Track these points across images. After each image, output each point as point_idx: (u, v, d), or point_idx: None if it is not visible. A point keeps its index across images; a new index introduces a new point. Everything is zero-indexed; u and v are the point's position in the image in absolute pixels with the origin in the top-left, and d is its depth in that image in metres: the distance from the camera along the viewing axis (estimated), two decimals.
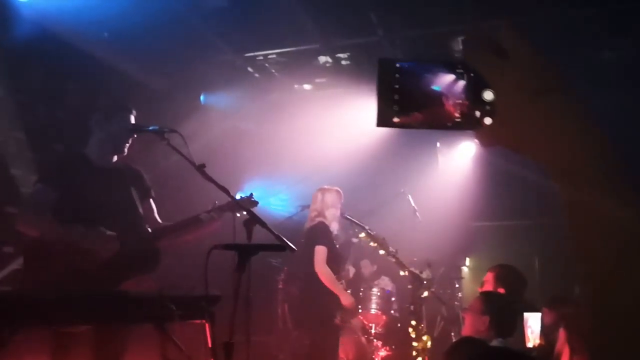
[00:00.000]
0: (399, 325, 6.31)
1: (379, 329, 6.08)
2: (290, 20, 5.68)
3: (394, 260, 4.65)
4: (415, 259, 5.52)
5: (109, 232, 2.91)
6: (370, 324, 6.07)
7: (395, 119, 0.75)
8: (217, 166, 3.03)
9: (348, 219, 5.09)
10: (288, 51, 6.39)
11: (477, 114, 0.72)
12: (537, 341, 2.81)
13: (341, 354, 5.68)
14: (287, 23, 5.74)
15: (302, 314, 5.07)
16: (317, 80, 7.09)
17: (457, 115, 0.73)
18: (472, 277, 7.45)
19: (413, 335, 4.56)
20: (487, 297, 3.03)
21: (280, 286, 6.42)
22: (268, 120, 7.13)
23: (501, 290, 3.55)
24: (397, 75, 0.76)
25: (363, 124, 7.22)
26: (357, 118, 7.13)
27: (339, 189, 5.21)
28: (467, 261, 8.20)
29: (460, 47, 6.09)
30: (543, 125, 0.62)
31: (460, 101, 0.73)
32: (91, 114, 3.30)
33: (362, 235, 4.92)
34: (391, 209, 6.33)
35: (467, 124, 0.72)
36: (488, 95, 0.72)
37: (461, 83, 0.74)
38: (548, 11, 5.28)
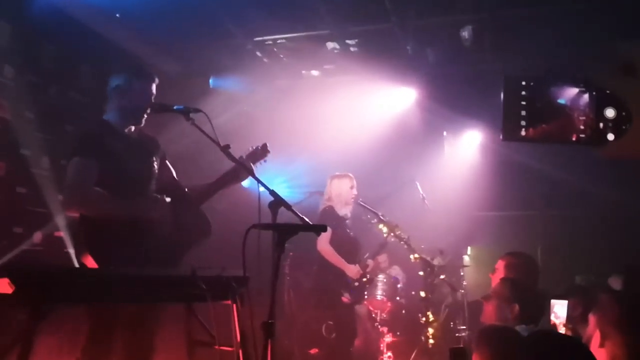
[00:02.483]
0: (404, 311, 6.34)
1: (385, 316, 6.10)
2: (303, 4, 5.64)
3: (405, 246, 4.66)
4: (423, 246, 5.55)
5: (161, 197, 2.86)
6: (376, 311, 6.09)
7: (522, 133, 0.76)
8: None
9: (361, 205, 5.12)
10: (297, 36, 6.35)
11: (601, 126, 0.72)
12: (563, 329, 2.83)
13: None
14: (299, 7, 5.70)
15: (312, 297, 5.15)
16: (326, 66, 7.05)
17: (582, 127, 0.73)
18: (474, 267, 7.48)
19: (423, 321, 4.59)
20: (515, 284, 3.03)
21: (287, 271, 6.43)
22: (276, 106, 7.09)
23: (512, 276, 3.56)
24: (523, 92, 0.76)
25: (371, 111, 7.23)
26: (365, 105, 7.14)
27: (350, 175, 5.25)
28: (469, 250, 8.23)
29: (471, 35, 6.06)
30: None
31: (584, 115, 0.74)
32: (111, 75, 3.13)
33: (375, 221, 4.94)
34: (400, 196, 6.34)
35: (593, 140, 0.73)
36: (610, 112, 0.72)
37: (585, 97, 0.75)
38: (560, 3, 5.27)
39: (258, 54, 6.72)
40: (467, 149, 7.90)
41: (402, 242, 4.77)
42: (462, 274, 6.58)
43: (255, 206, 2.69)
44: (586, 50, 5.67)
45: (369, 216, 5.26)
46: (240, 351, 2.35)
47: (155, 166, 3.17)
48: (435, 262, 4.77)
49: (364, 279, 5.14)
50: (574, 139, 0.67)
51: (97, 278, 2.06)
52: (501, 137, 0.71)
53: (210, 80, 6.86)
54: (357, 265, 5.09)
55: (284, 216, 2.71)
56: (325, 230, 2.43)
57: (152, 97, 3.16)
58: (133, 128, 3.16)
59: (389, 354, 6.00)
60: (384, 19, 5.85)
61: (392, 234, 4.89)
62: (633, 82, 0.61)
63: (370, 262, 5.24)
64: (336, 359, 4.98)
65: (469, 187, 7.37)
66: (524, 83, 0.70)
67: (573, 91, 0.69)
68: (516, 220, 7.94)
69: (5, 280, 1.82)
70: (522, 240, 7.76)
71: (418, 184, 6.24)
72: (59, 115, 5.22)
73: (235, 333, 2.33)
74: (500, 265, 3.68)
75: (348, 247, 5.07)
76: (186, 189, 3.18)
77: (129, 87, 3.07)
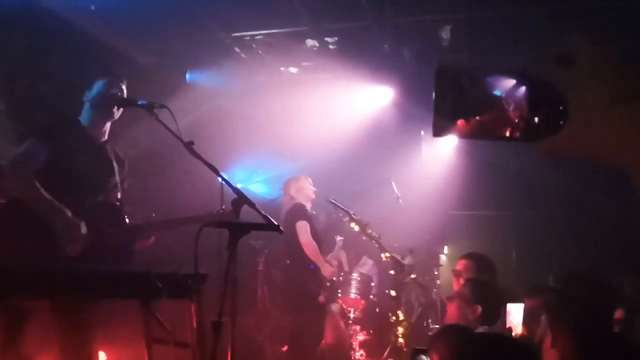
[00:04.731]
0: (377, 310, 6.36)
1: (358, 314, 6.12)
2: (280, 0, 5.62)
3: (376, 245, 4.67)
4: (396, 245, 5.56)
5: (84, 230, 2.84)
6: (349, 309, 6.10)
7: (454, 127, 0.72)
8: (199, 145, 2.98)
9: (332, 202, 5.13)
10: (276, 32, 6.32)
11: (536, 120, 0.70)
12: (519, 331, 2.86)
13: None
14: (276, 3, 5.68)
15: (286, 295, 5.15)
16: (304, 63, 7.03)
17: (517, 122, 0.71)
18: (450, 265, 7.53)
19: (393, 320, 4.61)
20: (476, 286, 3.05)
21: (261, 268, 6.42)
22: (253, 101, 7.07)
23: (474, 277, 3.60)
24: (455, 81, 0.73)
25: (348, 109, 7.23)
26: (342, 103, 7.14)
27: (306, 176, 5.34)
28: (446, 249, 8.28)
29: (449, 35, 6.10)
30: (623, 131, 0.61)
31: (521, 107, 0.71)
32: (86, 88, 3.24)
33: (346, 219, 4.94)
34: (375, 195, 6.35)
35: (527, 135, 0.70)
36: (548, 105, 0.70)
37: (522, 89, 0.72)
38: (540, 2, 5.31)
39: (236, 49, 6.68)
40: (445, 148, 7.93)
41: (373, 241, 4.78)
42: (436, 272, 6.61)
43: (218, 202, 2.68)
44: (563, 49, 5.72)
45: (340, 214, 5.26)
46: (197, 348, 2.34)
47: (112, 180, 3.20)
48: (406, 261, 4.79)
49: (334, 279, 5.16)
50: (507, 134, 0.66)
51: (50, 275, 2.02)
52: (432, 133, 0.69)
53: (187, 75, 6.80)
54: (330, 266, 5.11)
55: (249, 215, 2.71)
56: (279, 230, 2.43)
57: (121, 92, 3.25)
58: (106, 134, 3.23)
59: (361, 352, 6.02)
60: (361, 17, 5.85)
61: (363, 233, 4.90)
62: (571, 72, 0.59)
63: (335, 263, 5.25)
64: (304, 358, 4.98)
65: (446, 186, 7.40)
66: (457, 74, 0.68)
67: (510, 82, 0.67)
68: (492, 220, 8.01)
69: None
70: (498, 240, 7.84)
71: (393, 183, 6.26)
72: (29, 106, 5.14)
73: (192, 331, 2.31)
74: (463, 267, 3.71)
75: (316, 241, 5.09)
76: (126, 218, 3.16)
77: (99, 89, 3.19)
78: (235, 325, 2.29)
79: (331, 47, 6.58)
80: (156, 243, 3.02)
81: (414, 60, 6.54)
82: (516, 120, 0.71)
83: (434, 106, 0.74)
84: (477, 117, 0.72)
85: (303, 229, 4.94)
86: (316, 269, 5.02)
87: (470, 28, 5.91)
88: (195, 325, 2.32)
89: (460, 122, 0.73)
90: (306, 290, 4.97)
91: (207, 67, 6.74)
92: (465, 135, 0.73)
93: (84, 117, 3.21)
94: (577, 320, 1.85)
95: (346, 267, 6.44)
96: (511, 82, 0.73)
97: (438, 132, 0.74)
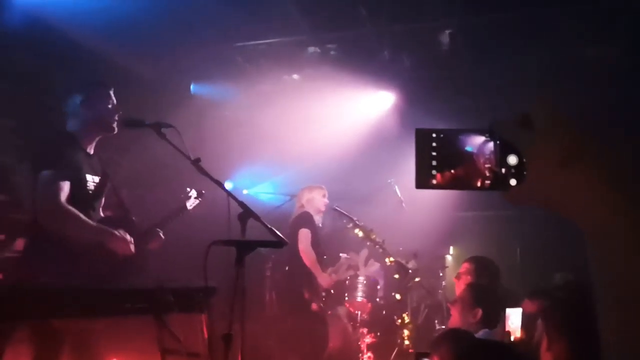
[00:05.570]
0: (384, 312, 6.44)
1: (365, 316, 6.19)
2: (279, 11, 5.72)
3: (381, 250, 4.76)
4: (401, 249, 5.65)
5: (129, 237, 2.96)
6: (356, 312, 6.18)
7: (433, 181, 0.84)
8: (206, 155, 3.05)
9: (337, 210, 5.23)
10: (277, 41, 6.43)
11: (503, 172, 0.81)
12: (518, 334, 2.94)
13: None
14: (276, 14, 5.78)
15: (284, 300, 5.26)
16: (306, 70, 7.12)
17: (487, 174, 0.82)
18: (455, 267, 7.59)
19: (399, 323, 4.69)
20: (477, 290, 3.14)
21: (268, 274, 6.51)
22: (257, 110, 7.16)
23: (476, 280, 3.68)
24: (433, 143, 0.85)
25: (350, 114, 7.32)
26: (344, 108, 7.22)
27: (322, 186, 5.42)
28: (451, 250, 8.36)
29: (448, 40, 6.18)
30: (574, 187, 0.71)
31: (489, 162, 0.82)
32: (69, 95, 3.24)
33: (350, 225, 5.04)
34: (378, 200, 6.44)
35: (496, 185, 0.81)
36: (512, 159, 0.81)
37: (490, 145, 0.83)
38: (532, 9, 5.39)
39: (238, 59, 6.78)
40: None
41: (377, 246, 4.88)
42: (440, 274, 6.69)
43: (225, 217, 2.76)
44: (558, 54, 5.82)
45: (344, 221, 5.36)
46: (209, 359, 2.43)
47: (105, 190, 3.27)
48: (410, 265, 4.87)
49: (331, 291, 5.28)
50: (479, 184, 0.75)
51: (65, 293, 2.13)
52: (415, 184, 0.80)
53: (191, 86, 6.91)
54: (328, 276, 5.23)
55: (255, 226, 2.80)
56: (282, 246, 2.53)
57: (114, 103, 3.27)
58: (94, 145, 3.26)
59: (369, 354, 6.09)
60: (360, 25, 5.94)
61: (367, 239, 4.99)
62: (530, 134, 0.68)
63: (334, 275, 5.36)
64: None
65: None
66: (434, 135, 0.79)
67: (479, 139, 0.77)
68: (497, 220, 8.07)
69: None
70: (503, 239, 7.91)
71: (396, 187, 6.34)
72: (36, 122, 5.25)
73: (203, 342, 2.41)
74: (463, 269, 3.79)
75: (318, 255, 5.20)
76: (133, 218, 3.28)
77: (91, 100, 3.20)
78: (245, 335, 2.38)
79: (332, 53, 6.67)
80: (168, 258, 3.12)
81: (414, 66, 6.63)
82: (486, 173, 0.82)
83: (415, 163, 0.85)
84: (452, 171, 0.83)
85: (303, 236, 5.06)
86: (314, 278, 5.14)
87: (469, 33, 6.00)
88: (206, 337, 2.42)
89: (437, 175, 0.83)
90: (300, 297, 5.10)
91: (211, 77, 6.85)
92: (442, 187, 0.84)
93: (78, 129, 3.18)
94: (571, 325, 1.94)
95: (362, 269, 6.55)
96: (481, 139, 0.84)
97: (420, 184, 0.85)
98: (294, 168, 7.01)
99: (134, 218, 3.33)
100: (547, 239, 7.50)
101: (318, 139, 6.82)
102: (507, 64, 6.18)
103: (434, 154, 0.85)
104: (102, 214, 3.31)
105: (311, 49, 6.63)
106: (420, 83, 6.83)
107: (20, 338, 2.33)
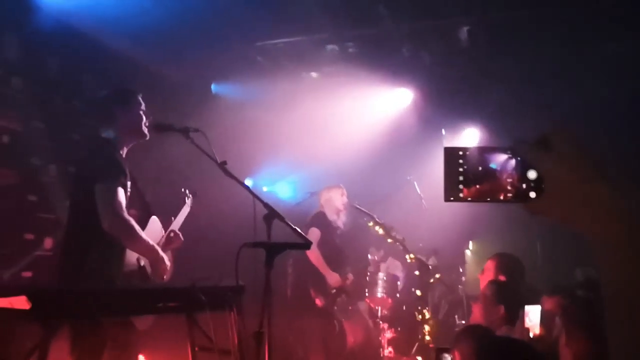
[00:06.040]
0: (404, 308, 6.52)
1: (385, 312, 6.28)
2: (299, 9, 5.78)
3: (401, 247, 4.83)
4: (421, 245, 5.71)
5: (169, 263, 3.09)
6: (377, 307, 6.27)
7: (460, 195, 0.93)
8: (226, 154, 3.12)
9: (357, 208, 5.30)
10: (297, 40, 6.49)
11: (524, 186, 0.90)
12: (537, 331, 2.99)
13: (349, 337, 5.93)
14: (296, 12, 5.83)
15: (295, 297, 5.37)
16: (325, 68, 7.19)
17: (509, 188, 0.91)
18: (475, 262, 7.62)
19: (419, 319, 4.76)
20: (500, 287, 3.19)
21: (290, 270, 6.60)
22: (277, 109, 7.24)
23: (502, 278, 3.73)
24: (460, 160, 0.94)
25: (369, 112, 7.37)
26: (363, 106, 7.28)
27: (341, 185, 5.49)
28: (470, 245, 8.38)
29: (467, 37, 6.20)
30: (587, 205, 0.79)
31: (511, 177, 0.91)
32: (102, 103, 3.35)
33: (371, 223, 5.11)
34: (398, 197, 6.49)
35: (517, 198, 0.90)
36: (532, 174, 0.90)
37: (512, 161, 0.92)
38: (550, 5, 5.39)
39: (259, 58, 6.87)
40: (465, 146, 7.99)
41: (397, 244, 4.96)
42: (460, 270, 6.73)
43: (251, 218, 2.85)
44: (578, 51, 5.82)
45: (365, 219, 5.44)
46: (238, 355, 2.54)
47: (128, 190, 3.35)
48: (430, 262, 4.94)
49: (342, 291, 5.37)
50: (502, 197, 0.84)
51: (105, 294, 2.24)
52: (444, 198, 0.91)
53: (212, 86, 7.01)
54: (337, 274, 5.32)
55: (279, 226, 2.89)
56: (309, 247, 2.61)
57: (143, 109, 3.36)
58: (127, 149, 3.35)
59: (390, 349, 6.18)
60: (380, 23, 5.99)
61: (387, 237, 5.07)
62: (549, 155, 0.77)
63: (350, 276, 5.44)
64: (335, 358, 5.19)
65: None
66: (461, 153, 0.88)
67: (502, 157, 0.86)
68: (516, 215, 8.04)
69: (23, 298, 2.02)
70: (523, 233, 7.90)
71: (415, 183, 6.39)
72: (65, 124, 5.39)
73: (233, 339, 2.51)
74: (488, 266, 3.83)
75: (330, 254, 5.29)
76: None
77: (122, 107, 3.29)
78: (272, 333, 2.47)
79: (351, 50, 6.72)
80: (194, 258, 3.22)
81: (432, 63, 6.66)
82: (508, 187, 0.91)
83: (444, 178, 0.94)
84: (477, 186, 0.92)
85: (311, 236, 5.14)
86: (320, 275, 5.24)
87: (487, 30, 6.01)
88: (236, 334, 2.52)
89: (464, 190, 0.93)
90: (306, 294, 5.22)
91: (232, 78, 6.95)
92: (467, 200, 0.93)
93: (114, 136, 3.26)
94: (589, 322, 2.00)
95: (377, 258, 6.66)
96: (503, 157, 0.93)
97: (448, 197, 0.94)
98: (313, 166, 7.09)
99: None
100: (568, 234, 7.44)
101: (337, 136, 6.89)
102: (526, 60, 6.20)
103: (460, 170, 0.94)
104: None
105: (330, 47, 6.68)
106: (439, 80, 6.86)
107: (64, 335, 2.45)
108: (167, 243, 3.43)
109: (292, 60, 6.94)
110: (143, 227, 3.18)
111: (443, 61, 6.62)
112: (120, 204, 2.97)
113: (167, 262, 3.10)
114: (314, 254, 5.16)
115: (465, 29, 6.11)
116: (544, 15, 5.61)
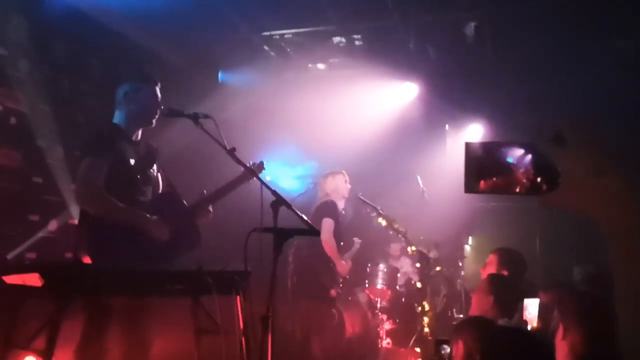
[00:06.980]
0: (403, 300, 6.56)
1: (385, 304, 6.32)
2: (306, 1, 5.80)
3: (403, 239, 4.87)
4: (422, 238, 5.74)
5: (162, 225, 3.07)
6: (376, 299, 6.31)
7: (479, 187, 0.98)
8: (232, 142, 3.12)
9: (361, 199, 5.33)
10: (303, 31, 6.51)
11: (539, 180, 0.93)
12: (535, 324, 3.05)
13: (347, 327, 5.97)
14: (303, 4, 5.85)
15: (302, 286, 5.40)
16: (331, 60, 7.20)
17: (525, 181, 0.95)
18: (474, 256, 7.67)
19: (419, 310, 4.81)
20: (492, 279, 3.25)
21: (290, 259, 6.64)
22: (282, 99, 7.26)
23: (504, 273, 3.78)
24: (479, 155, 0.98)
25: (374, 104, 7.39)
26: (368, 99, 7.30)
27: (343, 172, 5.49)
28: (470, 240, 8.42)
29: (473, 32, 6.22)
30: (600, 194, 0.83)
31: (527, 170, 0.95)
32: (118, 85, 3.32)
33: (374, 214, 5.14)
34: (401, 189, 6.52)
35: (532, 191, 0.94)
36: (547, 169, 0.93)
37: (529, 156, 0.96)
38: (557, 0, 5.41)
39: (265, 47, 6.88)
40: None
41: (399, 236, 4.99)
42: (460, 264, 6.78)
43: (257, 204, 2.88)
44: (584, 45, 5.83)
45: (368, 210, 5.47)
46: (243, 339, 2.58)
47: (155, 174, 3.37)
48: (431, 254, 4.99)
49: (347, 277, 5.43)
50: (517, 190, 0.88)
51: (114, 273, 2.28)
52: (464, 189, 0.96)
53: (219, 74, 7.03)
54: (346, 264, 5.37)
55: (285, 213, 2.92)
56: (318, 234, 2.64)
57: (159, 99, 3.34)
58: (140, 133, 3.35)
59: (388, 340, 6.23)
60: (387, 16, 6.00)
61: (390, 228, 5.10)
62: (562, 147, 0.81)
63: (349, 261, 5.48)
64: (329, 348, 5.23)
65: None
66: (480, 147, 0.93)
67: (519, 151, 0.90)
68: (516, 211, 8.10)
69: (36, 275, 2.05)
70: (522, 230, 7.94)
71: (419, 177, 6.42)
72: (72, 108, 5.42)
73: (239, 323, 2.55)
74: (490, 260, 3.88)
75: (339, 243, 5.32)
76: (184, 201, 3.32)
77: (137, 93, 3.27)
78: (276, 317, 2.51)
79: (357, 43, 6.73)
80: (208, 244, 3.23)
81: (438, 57, 6.67)
82: (524, 180, 0.95)
83: (464, 171, 0.98)
84: (495, 179, 0.96)
85: (327, 226, 5.16)
86: (332, 265, 5.27)
87: (493, 25, 6.03)
88: (241, 317, 2.56)
89: (482, 182, 0.97)
90: (319, 282, 5.23)
91: (238, 66, 6.96)
92: (486, 192, 0.97)
93: (123, 121, 3.27)
94: (585, 315, 2.05)
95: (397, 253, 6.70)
96: (520, 152, 0.97)
97: (468, 189, 0.99)
98: (317, 156, 7.12)
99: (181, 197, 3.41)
100: (567, 229, 7.52)
101: (342, 128, 6.91)
102: (532, 55, 6.21)
103: (480, 164, 0.98)
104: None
105: (336, 39, 6.70)
106: (445, 74, 6.87)
107: (74, 313, 2.49)
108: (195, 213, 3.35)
109: (298, 51, 6.96)
110: (168, 206, 3.21)
111: (449, 56, 6.63)
112: (94, 175, 3.00)
113: (159, 222, 3.07)
114: (330, 245, 5.17)
115: (471, 24, 6.13)
116: (550, 11, 5.62)
